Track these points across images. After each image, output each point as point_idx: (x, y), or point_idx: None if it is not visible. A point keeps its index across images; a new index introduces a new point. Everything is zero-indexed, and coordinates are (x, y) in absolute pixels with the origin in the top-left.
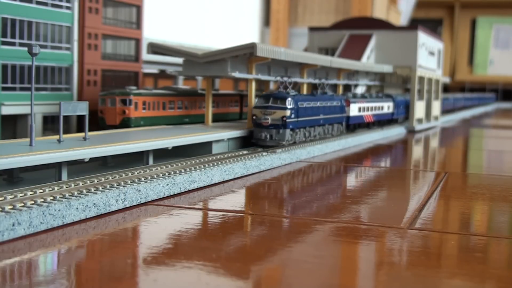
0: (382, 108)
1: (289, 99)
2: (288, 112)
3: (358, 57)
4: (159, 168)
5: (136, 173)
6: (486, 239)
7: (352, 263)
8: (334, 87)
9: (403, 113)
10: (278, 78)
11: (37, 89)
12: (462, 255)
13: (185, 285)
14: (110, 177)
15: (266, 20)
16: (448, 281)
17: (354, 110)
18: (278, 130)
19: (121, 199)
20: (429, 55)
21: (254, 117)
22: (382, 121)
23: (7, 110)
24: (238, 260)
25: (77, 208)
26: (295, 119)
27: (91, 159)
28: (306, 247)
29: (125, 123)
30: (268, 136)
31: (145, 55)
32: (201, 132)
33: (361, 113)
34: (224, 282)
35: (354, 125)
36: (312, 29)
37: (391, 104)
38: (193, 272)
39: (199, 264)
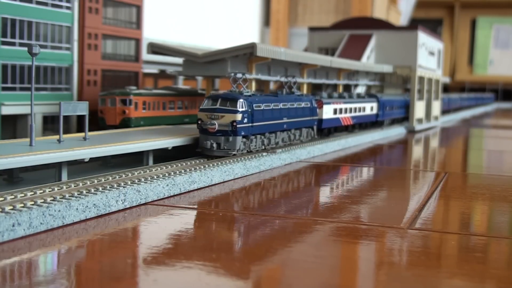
0: (364, 109)
1: (241, 100)
2: (239, 116)
3: (358, 57)
4: (159, 168)
5: (136, 173)
6: (486, 239)
7: (352, 263)
8: (334, 87)
9: (391, 114)
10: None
11: (37, 89)
12: (462, 255)
13: (185, 285)
14: (110, 178)
15: (266, 20)
16: (448, 281)
17: (328, 112)
18: (227, 138)
19: (121, 200)
20: (429, 55)
21: (199, 122)
22: (365, 124)
23: (7, 110)
24: (238, 260)
25: (77, 209)
26: (249, 124)
27: (91, 159)
28: (306, 247)
29: (125, 123)
30: (214, 145)
31: (145, 55)
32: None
33: (337, 116)
34: (224, 282)
35: (329, 129)
36: (312, 29)
37: (374, 104)
38: (193, 272)
39: (199, 264)
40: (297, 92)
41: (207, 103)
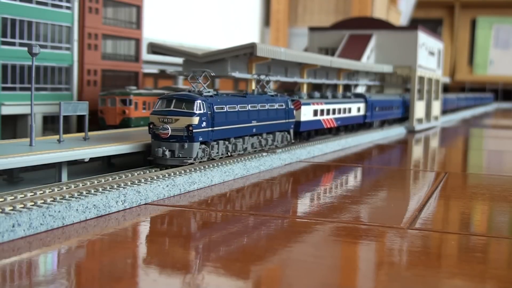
0: (350, 110)
1: (199, 101)
2: (195, 120)
3: (358, 57)
4: (159, 169)
5: (136, 174)
6: (486, 239)
7: (352, 263)
8: (334, 87)
9: (381, 116)
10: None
11: (37, 89)
12: (462, 255)
13: (185, 285)
14: (110, 179)
15: (266, 20)
16: (448, 281)
17: (307, 114)
18: (182, 144)
19: (121, 201)
20: (429, 55)
21: (151, 126)
22: (351, 127)
23: (7, 110)
24: (238, 260)
25: (77, 210)
26: (209, 129)
27: (91, 159)
28: (306, 247)
29: (125, 123)
30: (167, 153)
31: (145, 55)
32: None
33: (318, 117)
34: (224, 282)
35: (309, 133)
36: (312, 29)
37: (362, 105)
38: (193, 272)
39: (199, 264)
40: (270, 92)
41: (160, 105)
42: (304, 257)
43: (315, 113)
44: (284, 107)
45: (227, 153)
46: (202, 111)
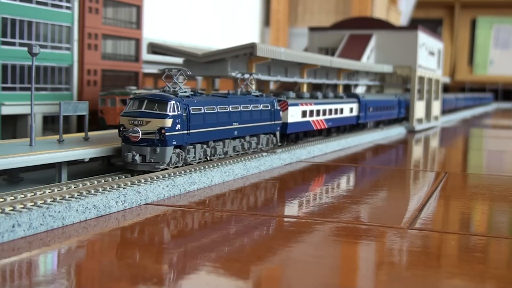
0: (342, 111)
1: (172, 102)
2: (168, 122)
3: (358, 57)
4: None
5: (136, 174)
6: (486, 239)
7: (352, 263)
8: (334, 87)
9: (375, 116)
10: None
11: (37, 89)
12: (462, 255)
13: (185, 285)
14: (110, 179)
15: (266, 20)
16: (448, 281)
17: (295, 115)
18: (154, 148)
19: (121, 201)
20: (429, 55)
21: (121, 129)
22: (343, 128)
23: (7, 110)
24: (238, 260)
25: (77, 210)
26: (184, 132)
27: (91, 159)
28: (306, 247)
29: None
30: (137, 157)
31: (145, 55)
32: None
33: (307, 119)
34: (224, 282)
35: (297, 135)
36: (312, 29)
37: (354, 105)
38: (193, 272)
39: (199, 264)
40: (255, 92)
41: (131, 106)
42: (304, 257)
43: (304, 114)
44: (269, 108)
45: (206, 158)
46: (176, 113)
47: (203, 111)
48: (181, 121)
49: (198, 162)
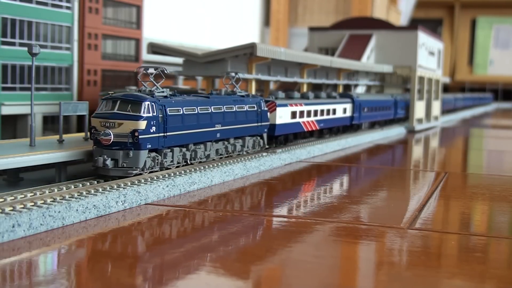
0: (334, 111)
1: (147, 103)
2: (142, 124)
3: (358, 57)
4: (159, 169)
5: (116, 178)
6: (486, 239)
7: (352, 263)
8: (334, 87)
9: (370, 117)
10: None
11: (37, 89)
12: (462, 255)
13: (185, 285)
14: (110, 179)
15: (266, 20)
16: (448, 281)
17: (283, 116)
18: (127, 152)
19: (121, 201)
20: (429, 55)
21: (92, 131)
22: (337, 129)
23: (7, 110)
24: (238, 260)
25: (77, 210)
26: (160, 134)
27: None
28: (306, 247)
29: None
30: (109, 162)
31: (145, 55)
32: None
33: (297, 120)
34: (224, 282)
35: (286, 137)
36: (312, 29)
37: (348, 106)
38: (193, 272)
39: (199, 264)
40: (240, 92)
41: (103, 107)
42: (304, 257)
43: (294, 115)
44: (256, 108)
45: (185, 162)
46: (151, 114)
47: (181, 112)
48: (156, 123)
49: (177, 167)
